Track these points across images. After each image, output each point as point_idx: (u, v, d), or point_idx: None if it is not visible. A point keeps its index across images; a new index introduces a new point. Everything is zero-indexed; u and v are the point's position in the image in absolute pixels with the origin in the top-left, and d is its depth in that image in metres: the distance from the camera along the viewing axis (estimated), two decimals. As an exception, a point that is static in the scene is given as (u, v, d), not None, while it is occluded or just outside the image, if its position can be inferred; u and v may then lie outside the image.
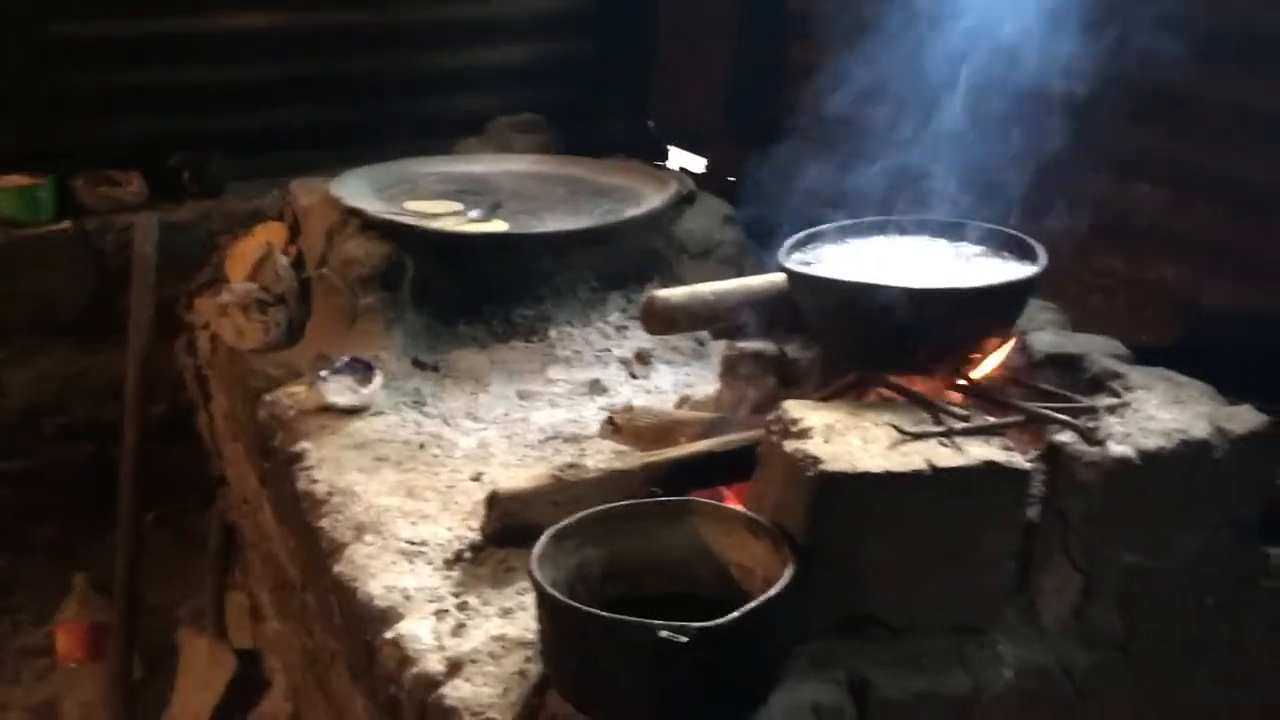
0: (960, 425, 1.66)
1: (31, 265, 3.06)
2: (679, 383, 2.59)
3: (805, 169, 2.61)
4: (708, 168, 3.63)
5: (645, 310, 2.07)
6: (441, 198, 3.02)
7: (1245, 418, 1.71)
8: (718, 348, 2.67)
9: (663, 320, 2.06)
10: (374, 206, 2.83)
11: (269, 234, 2.97)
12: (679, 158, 3.77)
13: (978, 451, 1.62)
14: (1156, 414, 1.72)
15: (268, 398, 2.53)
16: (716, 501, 1.76)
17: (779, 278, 2.12)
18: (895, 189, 2.25)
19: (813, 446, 1.60)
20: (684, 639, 1.37)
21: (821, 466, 1.56)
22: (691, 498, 1.73)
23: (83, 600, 3.24)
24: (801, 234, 2.03)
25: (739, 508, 1.68)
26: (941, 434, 1.64)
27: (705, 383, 2.56)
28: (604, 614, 1.42)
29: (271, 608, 2.85)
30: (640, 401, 2.49)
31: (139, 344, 3.06)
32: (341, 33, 3.43)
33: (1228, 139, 2.27)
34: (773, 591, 1.47)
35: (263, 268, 2.85)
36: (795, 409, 1.69)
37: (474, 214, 2.85)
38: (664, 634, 1.37)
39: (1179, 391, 1.79)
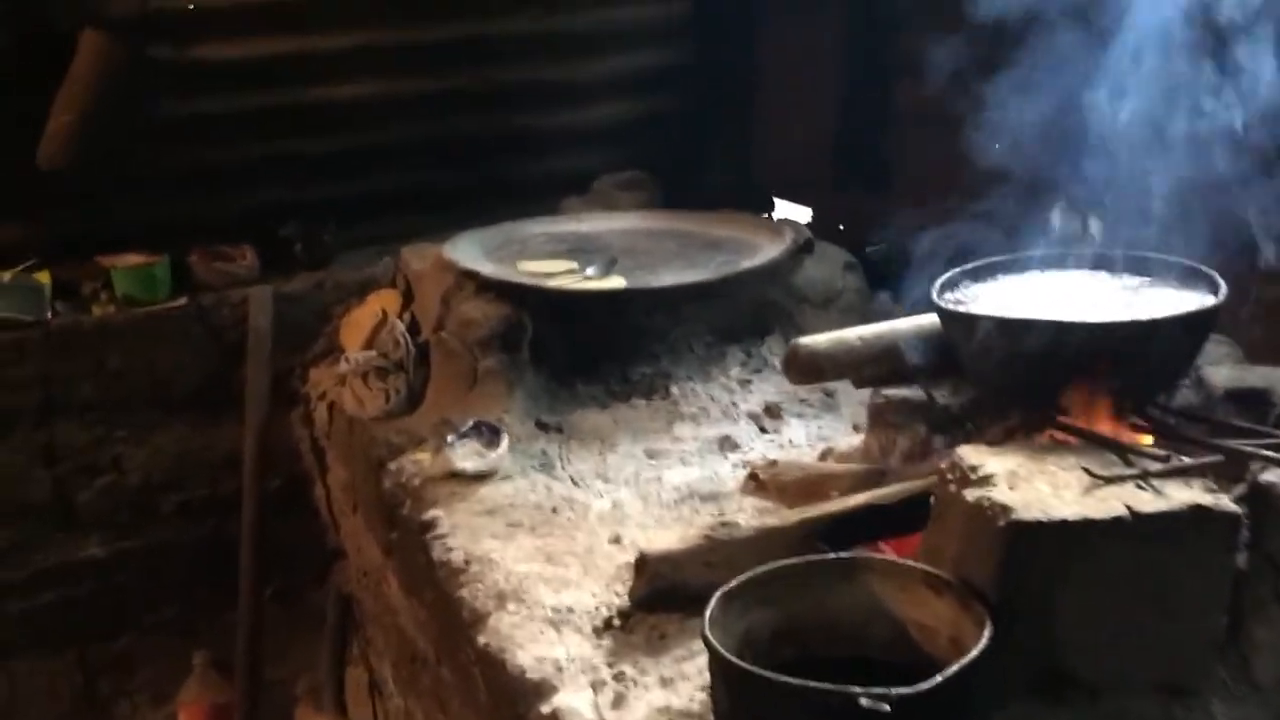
0: (1156, 466, 1.53)
1: (149, 342, 3.07)
2: (812, 435, 2.48)
3: (927, 213, 2.53)
4: (815, 217, 3.55)
5: (789, 358, 1.99)
6: (552, 257, 2.98)
7: None
8: (849, 399, 2.58)
9: (808, 368, 1.97)
10: (487, 268, 2.80)
11: (383, 301, 2.95)
12: (784, 208, 3.70)
13: (1180, 495, 1.49)
14: (1368, 449, 1.58)
15: (392, 466, 2.47)
16: (891, 557, 1.65)
17: (925, 320, 2.03)
18: (1039, 226, 2.15)
19: (999, 494, 1.49)
20: (886, 707, 1.26)
21: (1013, 515, 1.45)
22: (865, 554, 1.63)
23: (203, 680, 3.21)
24: (950, 273, 1.94)
25: (918, 564, 1.57)
26: (1137, 477, 1.52)
27: (841, 435, 2.46)
28: (794, 681, 1.32)
29: (395, 684, 2.77)
30: (774, 456, 2.38)
31: (256, 418, 3.05)
32: (441, 98, 3.43)
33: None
34: (974, 653, 1.35)
35: (379, 335, 2.81)
36: (972, 455, 1.58)
37: (590, 271, 2.79)
38: (865, 702, 1.26)
39: (1386, 423, 1.65)
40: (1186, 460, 1.56)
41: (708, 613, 1.47)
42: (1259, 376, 1.84)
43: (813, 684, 1.31)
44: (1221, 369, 1.89)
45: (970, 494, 1.52)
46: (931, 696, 1.29)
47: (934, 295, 1.85)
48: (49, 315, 2.99)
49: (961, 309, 1.82)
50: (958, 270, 1.95)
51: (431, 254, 2.92)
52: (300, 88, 3.25)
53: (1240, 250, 2.20)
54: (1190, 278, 1.84)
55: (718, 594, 1.51)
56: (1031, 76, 2.12)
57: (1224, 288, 1.75)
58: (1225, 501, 1.49)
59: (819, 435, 2.48)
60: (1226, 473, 1.62)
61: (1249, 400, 1.80)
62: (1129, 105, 1.97)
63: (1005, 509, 1.46)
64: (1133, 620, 1.49)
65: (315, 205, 3.32)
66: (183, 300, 3.11)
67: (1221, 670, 1.54)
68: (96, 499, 3.11)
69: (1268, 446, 1.58)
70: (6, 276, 2.95)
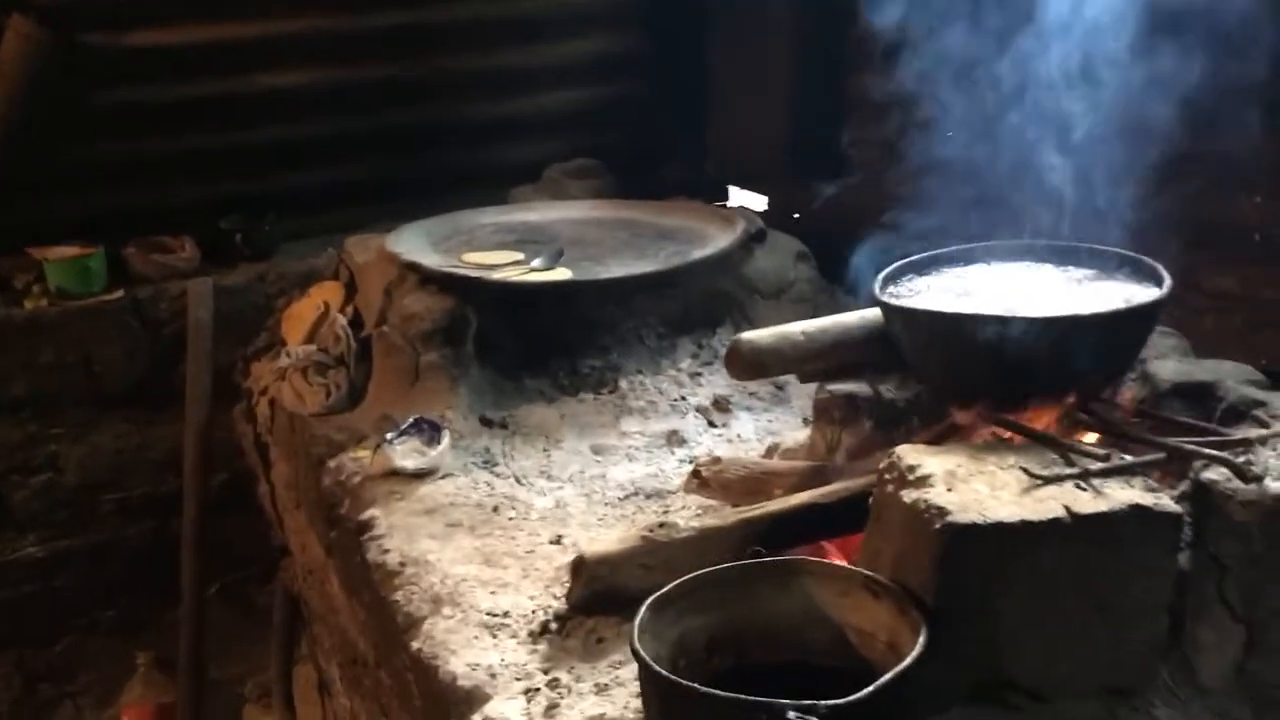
0: (1096, 466, 1.50)
1: (84, 337, 2.99)
2: (761, 430, 2.44)
3: (880, 201, 2.49)
4: (770, 206, 3.50)
5: (731, 355, 1.94)
6: (500, 248, 2.92)
7: None
8: (799, 392, 2.54)
9: (750, 365, 1.92)
10: (432, 260, 2.73)
11: (325, 294, 2.88)
12: (739, 197, 3.65)
13: (1120, 495, 1.46)
14: (1314, 444, 1.55)
15: (331, 464, 2.42)
16: (829, 560, 1.61)
17: (871, 313, 1.99)
18: (985, 218, 2.12)
19: (936, 495, 1.45)
20: (815, 720, 1.22)
21: (950, 518, 1.41)
22: (803, 558, 1.58)
23: (147, 680, 3.15)
24: (894, 265, 1.89)
25: (855, 567, 1.53)
26: (1076, 476, 1.49)
27: (790, 429, 2.42)
28: (722, 694, 1.28)
29: (341, 683, 2.72)
30: (722, 451, 2.34)
31: (197, 414, 2.98)
32: (386, 85, 3.36)
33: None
34: (907, 661, 1.31)
35: (320, 329, 2.75)
36: (910, 454, 1.54)
37: (536, 263, 2.73)
38: (793, 716, 1.22)
39: (1332, 417, 1.62)
40: (1128, 459, 1.53)
41: (637, 621, 1.42)
42: (1206, 370, 1.81)
43: (742, 697, 1.27)
44: (1168, 362, 1.85)
45: (907, 495, 1.48)
46: (864, 706, 1.25)
47: (876, 289, 1.81)
48: (-22, 309, 2.91)
49: (903, 303, 1.77)
50: (901, 263, 1.90)
51: (375, 245, 2.86)
52: (240, 75, 3.17)
53: (1191, 239, 2.18)
54: (1136, 270, 1.80)
55: (649, 601, 1.46)
56: (981, 62, 2.10)
57: (1168, 280, 1.71)
58: (1166, 501, 1.46)
59: (768, 429, 2.44)
60: (1170, 471, 1.59)
61: (1195, 395, 1.77)
62: (1082, 92, 1.94)
63: (941, 511, 1.42)
64: (1074, 623, 1.46)
65: (257, 196, 3.24)
66: (119, 293, 3.03)
67: (1165, 672, 1.51)
68: (33, 498, 3.03)
69: (1211, 444, 1.55)
70: (-67, 270, 2.87)
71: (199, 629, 2.98)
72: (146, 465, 3.10)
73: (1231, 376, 1.79)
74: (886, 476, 1.54)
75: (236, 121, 3.20)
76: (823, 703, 1.24)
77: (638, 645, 1.38)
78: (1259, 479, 1.47)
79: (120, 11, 2.98)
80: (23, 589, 3.05)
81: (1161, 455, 1.54)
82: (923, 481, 1.49)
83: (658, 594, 1.48)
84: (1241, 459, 1.51)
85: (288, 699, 3.11)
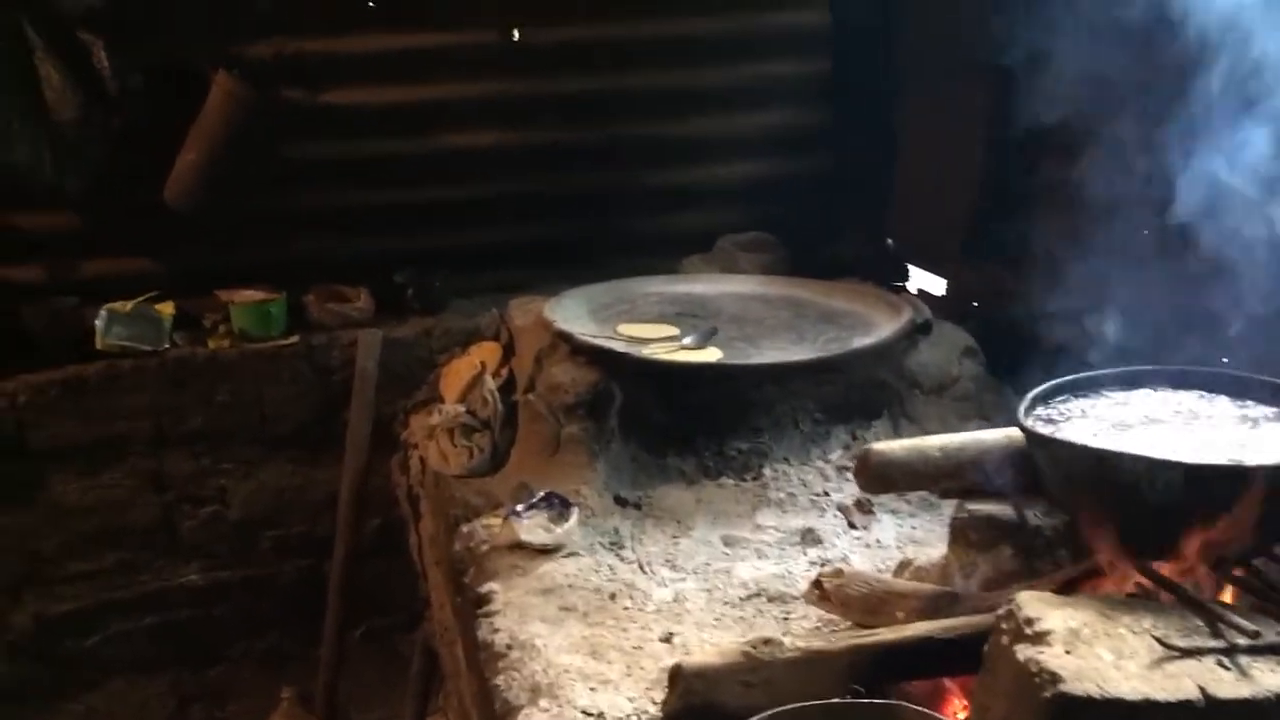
0: (1245, 641, 1.33)
1: (259, 378, 3.13)
2: (903, 537, 2.31)
3: (1063, 299, 2.34)
4: (949, 290, 3.35)
5: (860, 465, 1.83)
6: (660, 320, 2.89)
7: None
8: (951, 500, 2.40)
9: (879, 479, 1.82)
10: (587, 329, 2.73)
11: (483, 354, 2.92)
12: (918, 278, 3.51)
13: (1268, 680, 1.28)
14: None
15: (464, 528, 2.42)
16: (930, 710, 1.48)
17: (1016, 432, 1.85)
18: (1170, 331, 1.95)
19: (1051, 657, 1.31)
20: None
21: (1061, 686, 1.27)
22: (899, 703, 1.47)
23: (289, 714, 3.22)
24: (1047, 385, 1.75)
25: (957, 722, 1.40)
26: (1220, 651, 1.32)
27: (934, 540, 2.28)
28: None
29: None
30: (857, 557, 2.23)
31: (355, 460, 3.06)
32: (567, 149, 3.40)
33: None
34: None
35: (473, 390, 2.78)
36: (1031, 604, 1.41)
37: (688, 340, 2.69)
38: None
39: None
40: (1284, 636, 1.35)
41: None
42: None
43: None
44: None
45: (1022, 652, 1.35)
46: None
47: (1020, 413, 1.68)
48: (166, 345, 3.07)
49: (1049, 432, 1.63)
50: (1055, 382, 1.76)
51: (535, 309, 2.88)
52: (426, 135, 3.27)
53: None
54: (1322, 413, 1.61)
55: (727, 735, 1.38)
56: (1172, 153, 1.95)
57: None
58: (1325, 692, 1.28)
59: (910, 537, 2.31)
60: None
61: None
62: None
63: (1055, 677, 1.28)
64: (1203, 820, 1.29)
65: (432, 252, 3.32)
66: (295, 338, 3.15)
67: None
68: (199, 528, 3.18)
69: (1389, 629, 1.35)
70: (129, 306, 3.05)
71: (336, 670, 3.04)
72: (305, 505, 3.21)
73: None
74: (1003, 625, 1.41)
75: (418, 179, 3.30)
76: None
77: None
78: None
79: (319, 71, 3.12)
80: (183, 614, 3.19)
81: (1326, 636, 1.35)
82: (1040, 638, 1.35)
83: (738, 727, 1.39)
84: None
85: (419, 747, 3.13)
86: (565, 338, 2.65)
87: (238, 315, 3.12)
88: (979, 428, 2.29)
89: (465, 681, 2.42)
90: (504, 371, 2.86)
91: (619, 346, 2.63)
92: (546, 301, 2.86)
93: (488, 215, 3.39)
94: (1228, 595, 1.48)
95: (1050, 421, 1.69)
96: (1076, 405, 1.74)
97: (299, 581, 3.24)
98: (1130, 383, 1.78)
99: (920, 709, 1.45)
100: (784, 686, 1.65)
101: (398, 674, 3.28)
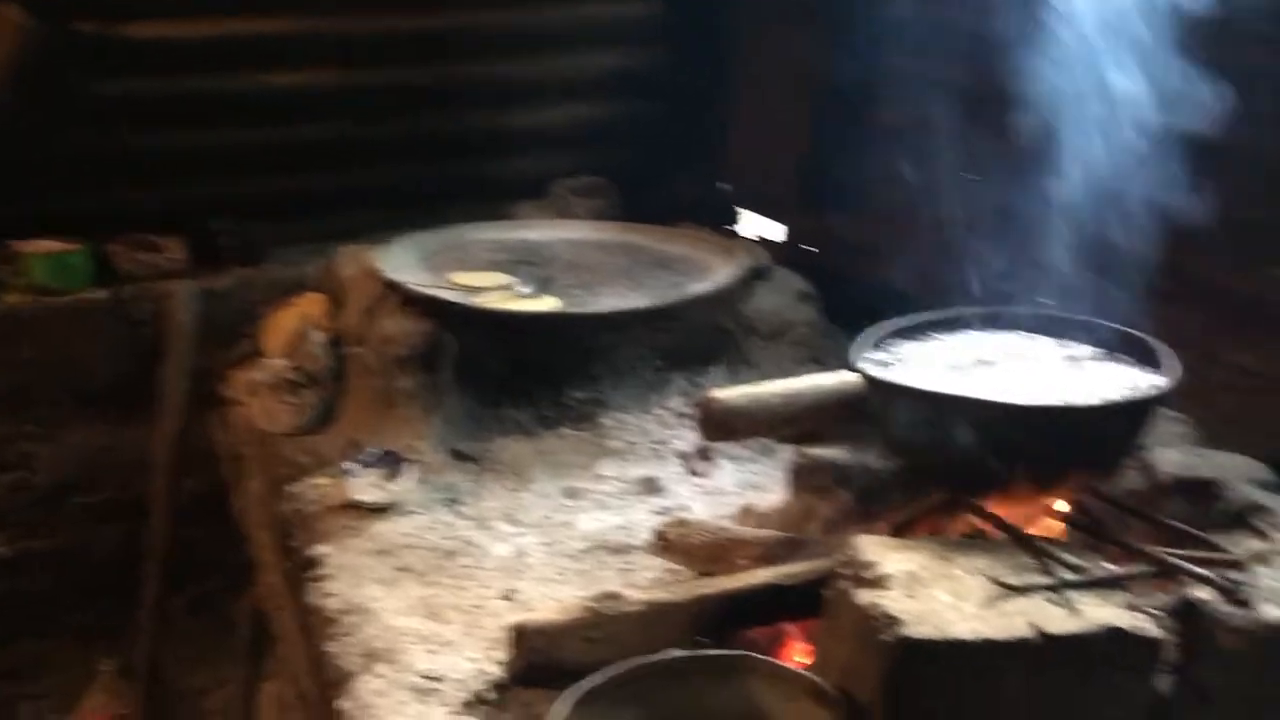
0: (1073, 577, 1.37)
1: (63, 335, 2.91)
2: (743, 483, 2.32)
3: (893, 244, 2.37)
4: (787, 236, 3.37)
5: (701, 414, 1.81)
6: (493, 268, 2.81)
7: None
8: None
9: (720, 426, 1.79)
10: (417, 279, 2.63)
11: (309, 306, 2.78)
12: (754, 224, 3.52)
13: (1097, 614, 1.32)
14: (1316, 564, 1.41)
15: (292, 489, 2.32)
16: (774, 658, 1.48)
17: (853, 376, 1.86)
18: (995, 272, 1.99)
19: (891, 602, 1.33)
20: None
21: (902, 630, 1.28)
22: (746, 652, 1.46)
23: (109, 688, 3.06)
24: (879, 328, 1.77)
25: (801, 670, 1.40)
26: (1051, 587, 1.35)
27: (773, 485, 2.29)
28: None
29: (299, 711, 2.62)
30: (699, 505, 2.23)
31: (171, 420, 2.90)
32: (394, 90, 3.25)
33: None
34: (839, 794, 1.19)
35: (298, 344, 2.65)
36: (870, 549, 1.42)
37: (523, 289, 2.62)
38: None
39: (1342, 533, 1.48)
40: (1111, 568, 1.39)
41: (553, 715, 1.31)
42: (1210, 465, 1.67)
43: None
44: (1171, 453, 1.71)
45: (862, 597, 1.35)
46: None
47: (853, 357, 1.68)
48: (-44, 302, 2.83)
49: (881, 375, 1.64)
50: (888, 325, 1.78)
51: (363, 258, 2.76)
52: (239, 73, 3.07)
53: (1211, 309, 2.03)
54: (1140, 350, 1.66)
55: (569, 694, 1.35)
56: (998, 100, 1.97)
57: (1176, 370, 1.57)
58: (1146, 623, 1.33)
59: (750, 483, 2.32)
60: (1159, 582, 1.45)
61: (1196, 492, 1.63)
62: (1099, 152, 1.81)
63: (895, 621, 1.29)
64: (1036, 750, 1.33)
65: (249, 199, 3.14)
66: (102, 292, 2.94)
67: (1134, 809, 1.37)
68: (3, 496, 2.96)
69: (1204, 559, 1.41)
70: (-87, 260, 2.80)
71: (158, 639, 2.90)
72: (119, 469, 3.02)
73: (1238, 474, 1.65)
74: (842, 571, 1.42)
75: (232, 120, 3.11)
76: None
77: (549, 749, 1.26)
78: (1248, 604, 1.33)
79: (117, 3, 2.89)
80: (-11, 587, 2.98)
81: (1148, 569, 1.41)
82: (880, 583, 1.36)
83: (582, 686, 1.36)
84: (1234, 580, 1.36)
85: (250, 715, 3.02)
86: (396, 288, 2.55)
87: (35, 267, 2.89)
88: (815, 372, 2.31)
89: (297, 648, 2.33)
90: (331, 324, 2.74)
91: (452, 296, 2.54)
92: (375, 250, 2.75)
93: (310, 159, 3.22)
94: (1056, 533, 1.51)
95: (883, 365, 1.70)
96: (908, 348, 1.76)
97: (115, 549, 3.05)
98: (960, 325, 1.81)
99: (765, 657, 1.45)
100: (628, 640, 1.63)
101: (226, 641, 3.14)
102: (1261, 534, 1.48)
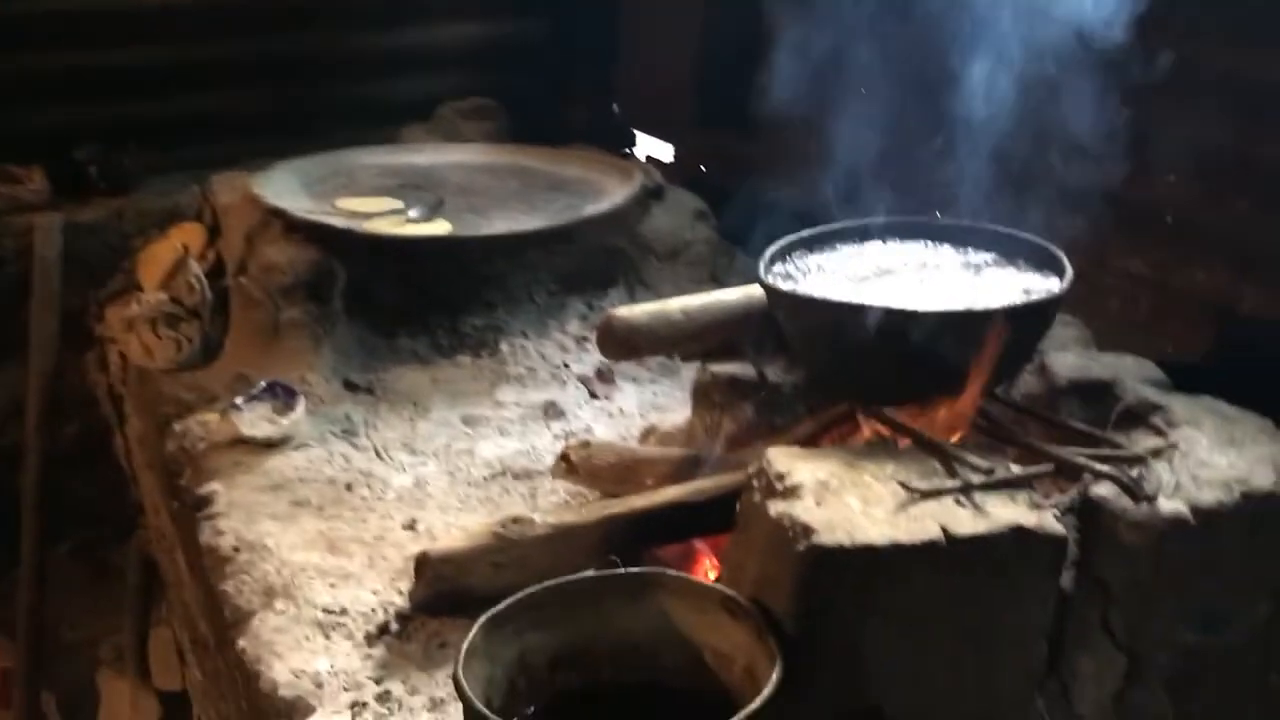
0: (978, 479, 1.37)
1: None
2: (645, 404, 2.29)
3: (788, 160, 2.34)
4: (677, 156, 3.32)
5: (602, 333, 1.78)
6: (380, 193, 2.72)
7: (1316, 461, 1.44)
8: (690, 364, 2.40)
9: (622, 344, 1.77)
10: (301, 205, 2.53)
11: (185, 237, 2.65)
12: (646, 145, 3.46)
13: (1002, 513, 1.33)
14: (1209, 458, 1.44)
15: (177, 427, 2.22)
16: (686, 574, 1.47)
17: (756, 291, 1.84)
18: (891, 184, 1.98)
19: (803, 510, 1.32)
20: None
21: (814, 539, 1.27)
22: (657, 570, 1.44)
23: (-11, 643, 2.94)
24: (783, 242, 1.74)
25: (714, 583, 1.39)
26: (957, 490, 1.36)
27: (675, 405, 2.28)
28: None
29: (192, 656, 2.55)
30: (602, 427, 2.20)
31: (41, 360, 2.75)
32: (271, 7, 3.09)
33: (1269, 122, 1.98)
34: (757, 702, 1.18)
35: (176, 276, 2.53)
36: (780, 459, 1.40)
37: (414, 213, 2.54)
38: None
39: (1232, 428, 1.52)
40: (1014, 469, 1.40)
41: (465, 645, 1.27)
42: (1104, 366, 1.69)
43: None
44: (1066, 355, 1.73)
45: (774, 508, 1.34)
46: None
47: (760, 268, 1.66)
48: None
49: (786, 287, 1.62)
50: (790, 239, 1.75)
51: (242, 185, 2.64)
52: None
53: (1102, 216, 2.05)
54: (1036, 256, 1.67)
55: (480, 622, 1.31)
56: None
57: (1069, 272, 1.58)
58: (1050, 521, 1.34)
59: (653, 404, 2.30)
60: (1059, 481, 1.47)
61: (1093, 393, 1.65)
62: (993, 61, 1.80)
63: (807, 529, 1.28)
64: (945, 652, 1.34)
65: (116, 124, 2.97)
66: (-43, 227, 2.76)
67: (1041, 702, 1.40)
68: None
69: (1104, 457, 1.43)
70: None
71: (39, 590, 2.78)
72: (-12, 413, 2.87)
73: (1132, 374, 1.67)
74: (754, 483, 1.40)
75: (95, 41, 2.92)
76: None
77: (462, 676, 1.23)
78: (1149, 499, 1.36)
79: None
80: None
81: (1049, 467, 1.42)
82: (791, 493, 1.35)
83: (492, 612, 1.33)
84: (1133, 476, 1.39)
85: (143, 663, 2.93)
86: (279, 214, 2.44)
87: (-118, 202, 2.70)
88: (714, 289, 2.28)
89: (189, 590, 2.25)
90: (210, 254, 2.62)
91: (340, 222, 2.45)
92: (254, 176, 2.63)
93: (183, 82, 3.05)
94: (960, 438, 1.52)
95: (788, 277, 1.68)
96: (812, 260, 1.74)
97: (-14, 499, 2.91)
98: (861, 236, 1.79)
99: (678, 573, 1.44)
100: (536, 564, 1.60)
101: (112, 588, 3.03)
102: (1158, 431, 1.50)
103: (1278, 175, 1.96)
